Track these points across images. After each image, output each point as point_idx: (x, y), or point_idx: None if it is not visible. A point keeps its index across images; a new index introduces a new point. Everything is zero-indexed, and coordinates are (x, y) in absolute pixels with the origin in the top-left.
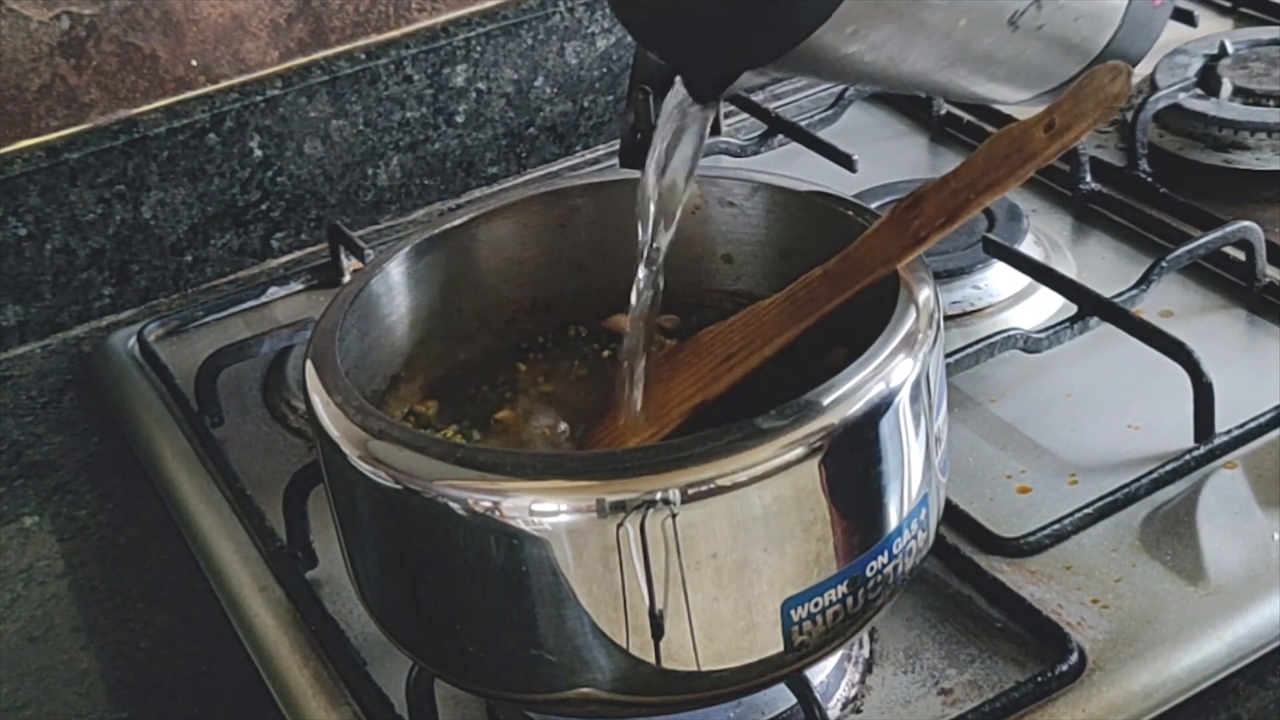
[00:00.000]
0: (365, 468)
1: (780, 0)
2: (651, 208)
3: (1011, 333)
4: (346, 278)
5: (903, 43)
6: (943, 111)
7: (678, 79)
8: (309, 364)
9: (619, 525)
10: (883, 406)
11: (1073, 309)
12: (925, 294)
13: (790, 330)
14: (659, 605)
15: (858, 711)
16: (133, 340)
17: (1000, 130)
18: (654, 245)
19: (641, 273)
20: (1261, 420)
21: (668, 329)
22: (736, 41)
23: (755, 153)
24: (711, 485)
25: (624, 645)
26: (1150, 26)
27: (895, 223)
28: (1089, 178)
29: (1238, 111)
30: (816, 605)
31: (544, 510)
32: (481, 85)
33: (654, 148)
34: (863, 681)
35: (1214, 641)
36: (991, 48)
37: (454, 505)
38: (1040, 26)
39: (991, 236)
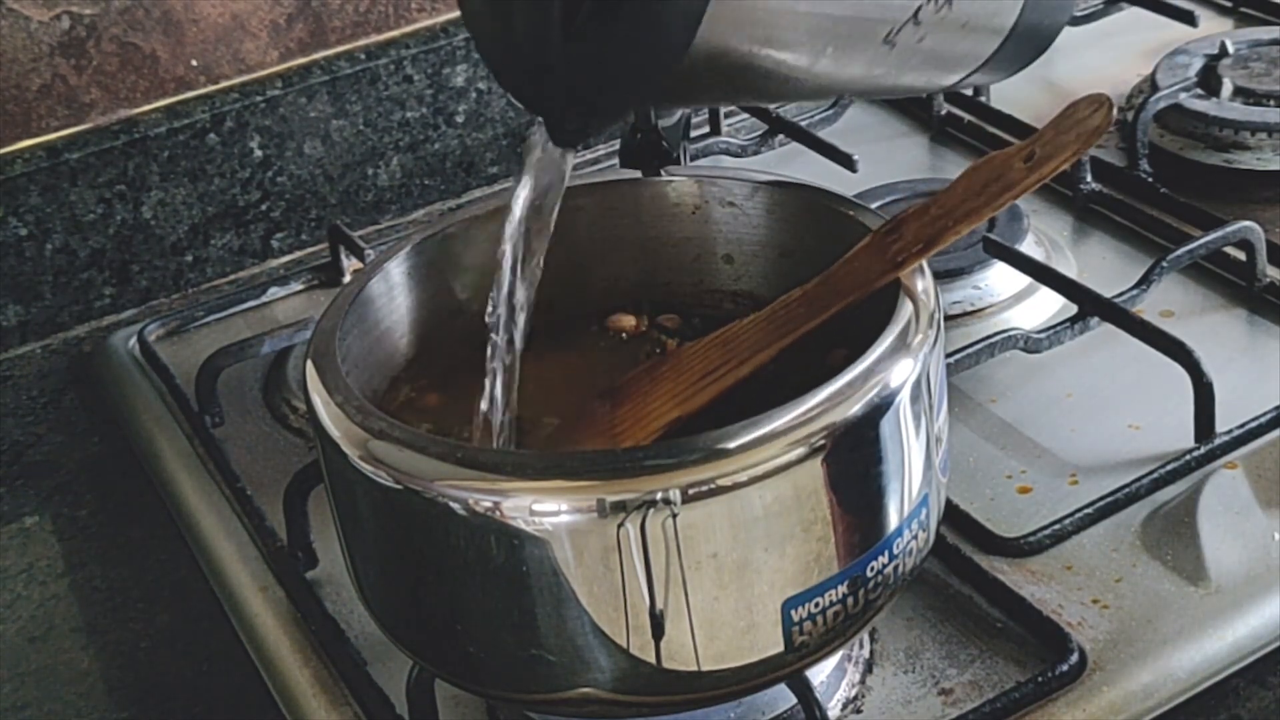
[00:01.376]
0: (366, 468)
1: (626, 58)
2: (516, 245)
3: (1012, 333)
4: (347, 278)
5: (765, 78)
6: (943, 112)
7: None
8: (309, 364)
9: (619, 525)
10: (883, 406)
11: (1073, 309)
12: (926, 294)
13: (768, 349)
14: (659, 605)
15: (858, 711)
16: (133, 340)
17: (981, 159)
18: (515, 281)
19: (500, 309)
20: (1262, 420)
21: (669, 328)
22: (588, 98)
23: (755, 153)
24: (712, 485)
25: (624, 645)
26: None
27: (875, 247)
28: (1089, 177)
29: (1238, 111)
30: (817, 605)
31: (544, 510)
32: (481, 85)
33: (521, 185)
34: (863, 682)
35: (1214, 641)
36: (872, 62)
37: (454, 505)
38: (922, 39)
39: (992, 236)
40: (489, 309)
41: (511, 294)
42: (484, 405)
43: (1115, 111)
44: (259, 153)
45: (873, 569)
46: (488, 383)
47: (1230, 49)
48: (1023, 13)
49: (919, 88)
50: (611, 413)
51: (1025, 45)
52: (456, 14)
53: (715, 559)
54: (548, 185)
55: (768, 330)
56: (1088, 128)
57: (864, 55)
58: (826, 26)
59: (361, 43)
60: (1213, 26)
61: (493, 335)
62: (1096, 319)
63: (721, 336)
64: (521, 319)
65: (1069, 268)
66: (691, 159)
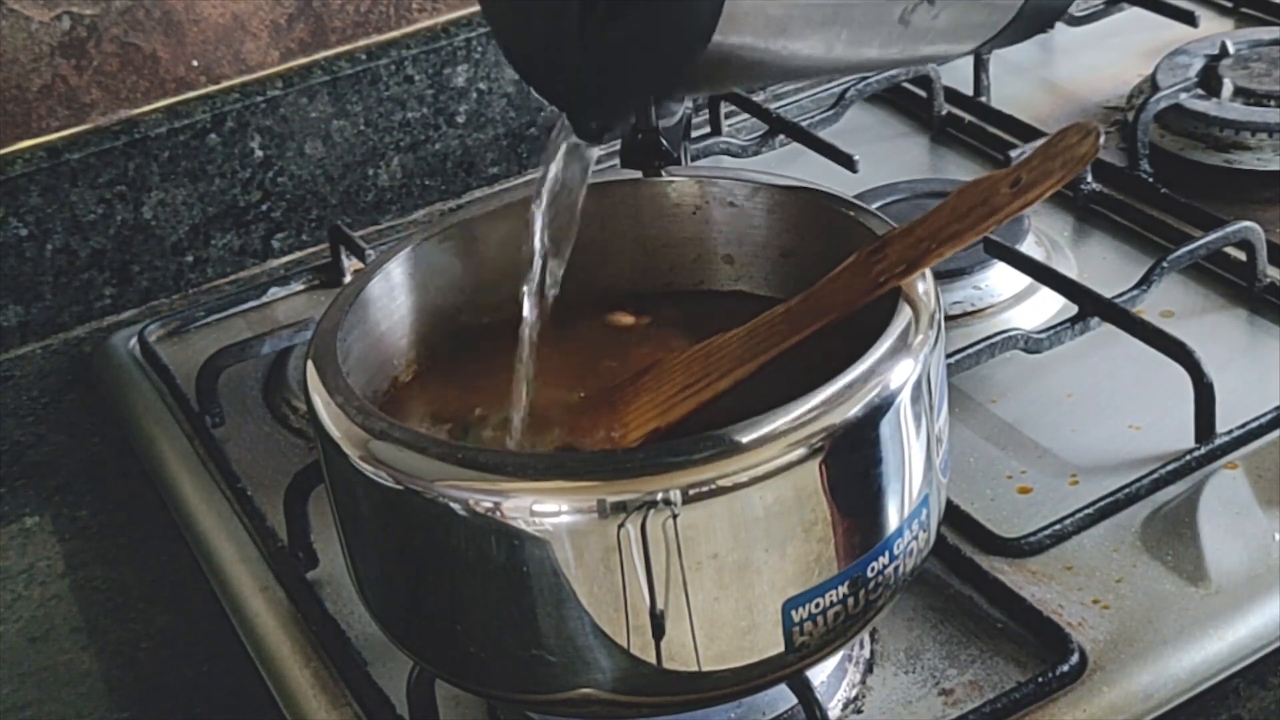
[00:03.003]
0: (366, 468)
1: (645, 54)
2: (543, 238)
3: (1012, 333)
4: (347, 278)
5: (780, 66)
6: (943, 112)
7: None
8: (310, 364)
9: (620, 526)
10: (883, 407)
11: (1074, 309)
12: (926, 295)
13: (748, 364)
14: (660, 606)
15: (858, 712)
16: (134, 340)
17: (968, 183)
18: (544, 273)
19: (528, 303)
20: (1262, 420)
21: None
22: (608, 94)
23: (756, 153)
24: (712, 486)
25: (625, 646)
26: None
27: (859, 266)
28: (1090, 178)
29: (1239, 112)
30: (817, 606)
31: (545, 511)
32: (482, 85)
33: (544, 178)
34: (863, 682)
35: (1215, 642)
36: (885, 46)
37: (455, 506)
38: (936, 16)
39: (992, 237)
40: (524, 296)
41: (541, 283)
42: (516, 387)
43: (1102, 139)
44: (260, 153)
45: (873, 569)
46: (518, 366)
47: (1231, 49)
48: None
49: (933, 59)
50: (591, 419)
51: (1040, 13)
52: (457, 14)
53: (716, 559)
54: (572, 176)
55: (749, 345)
56: (1074, 155)
57: (879, 37)
58: (840, 14)
59: (362, 43)
60: (1213, 27)
61: (526, 320)
62: (1097, 319)
63: (704, 349)
64: (536, 311)
65: (1069, 268)
66: (692, 159)
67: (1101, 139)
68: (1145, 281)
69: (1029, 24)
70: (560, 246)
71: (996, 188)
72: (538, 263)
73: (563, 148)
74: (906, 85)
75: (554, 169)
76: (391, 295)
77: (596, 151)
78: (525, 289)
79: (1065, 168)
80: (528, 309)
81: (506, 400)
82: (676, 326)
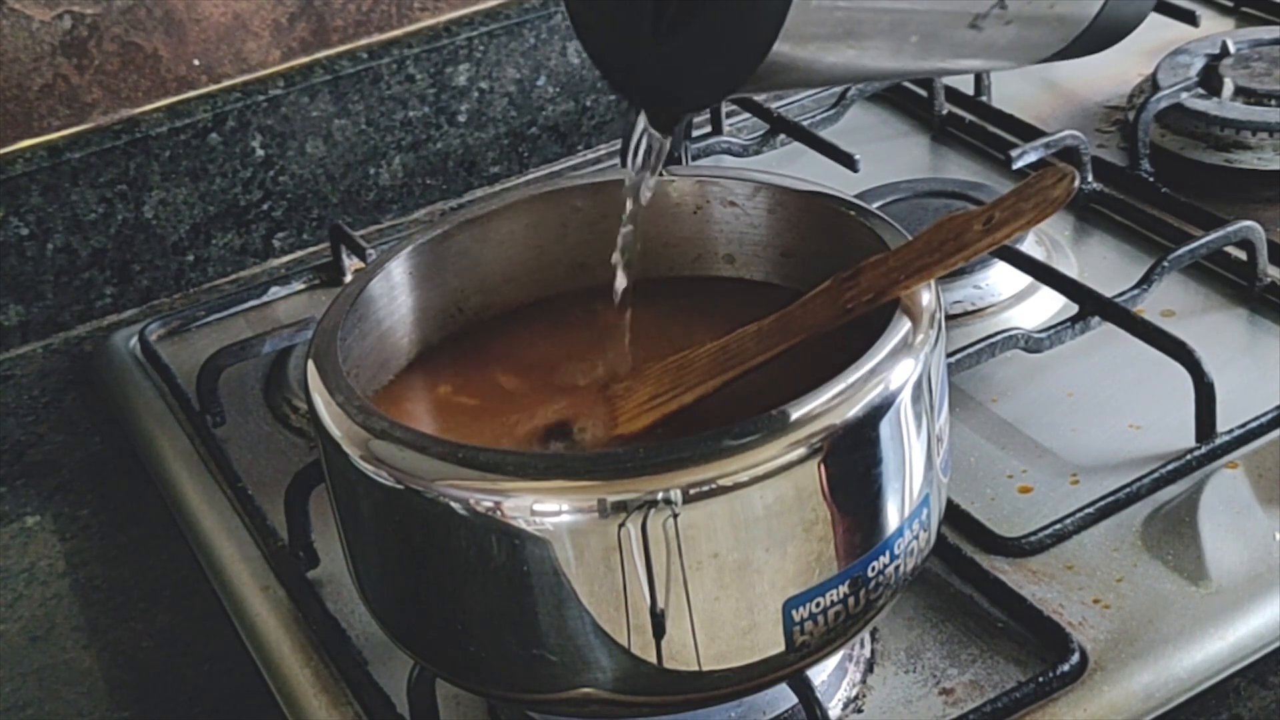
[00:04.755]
0: (367, 467)
1: (711, 56)
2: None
3: (1013, 332)
4: (348, 277)
5: (846, 68)
6: (944, 111)
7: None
8: (310, 363)
9: (620, 525)
10: (884, 406)
11: (1074, 309)
12: (926, 294)
13: (715, 379)
14: (660, 605)
15: (859, 711)
16: (134, 340)
17: (943, 218)
18: (635, 205)
19: (625, 229)
20: (1263, 420)
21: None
22: (677, 93)
23: (757, 152)
24: (713, 485)
25: (625, 645)
26: None
27: (831, 292)
28: (1090, 177)
29: (1239, 111)
30: (818, 605)
31: (545, 510)
32: (484, 85)
33: (632, 161)
34: (864, 681)
35: (1215, 641)
36: (956, 48)
37: (455, 505)
38: (1009, 23)
39: None
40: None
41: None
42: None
43: (1077, 183)
44: (261, 152)
45: (874, 569)
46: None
47: (1231, 49)
48: None
49: (998, 68)
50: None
51: (1109, 30)
52: (459, 13)
53: (716, 559)
54: (647, 161)
55: (719, 361)
56: (1048, 198)
57: (947, 43)
58: (910, 19)
59: (363, 42)
60: (1214, 26)
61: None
62: (1097, 319)
63: (676, 362)
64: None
65: (1070, 267)
66: (693, 159)
67: (1076, 183)
68: (1146, 281)
69: (1097, 40)
70: (625, 227)
71: (969, 224)
72: (623, 239)
73: (642, 135)
74: (907, 85)
75: (641, 150)
76: (392, 294)
77: (669, 139)
78: (617, 260)
79: (1037, 209)
80: (619, 279)
81: (504, 399)
82: (675, 320)
